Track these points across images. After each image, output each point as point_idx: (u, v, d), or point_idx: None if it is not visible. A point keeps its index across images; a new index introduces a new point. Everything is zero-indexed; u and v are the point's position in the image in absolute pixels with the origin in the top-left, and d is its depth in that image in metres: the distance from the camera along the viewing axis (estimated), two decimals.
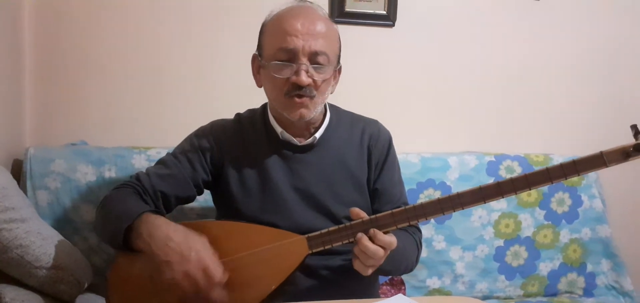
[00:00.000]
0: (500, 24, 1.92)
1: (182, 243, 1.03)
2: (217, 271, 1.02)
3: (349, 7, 1.80)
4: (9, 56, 1.53)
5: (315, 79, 1.15)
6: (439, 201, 1.03)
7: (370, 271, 1.05)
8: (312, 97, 1.16)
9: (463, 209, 1.04)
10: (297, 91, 1.15)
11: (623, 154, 0.98)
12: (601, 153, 0.99)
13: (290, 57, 1.14)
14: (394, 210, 1.05)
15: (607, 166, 0.99)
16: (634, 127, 0.98)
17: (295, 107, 1.16)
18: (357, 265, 1.06)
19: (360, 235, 1.03)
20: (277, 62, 1.15)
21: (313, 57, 1.15)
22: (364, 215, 1.06)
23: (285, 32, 1.14)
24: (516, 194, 1.02)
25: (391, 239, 1.03)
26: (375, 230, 1.02)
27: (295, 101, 1.15)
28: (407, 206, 1.05)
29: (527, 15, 1.92)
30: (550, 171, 1.00)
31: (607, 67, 2.00)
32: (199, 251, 1.02)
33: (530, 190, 1.01)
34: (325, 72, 1.17)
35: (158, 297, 1.07)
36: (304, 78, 1.13)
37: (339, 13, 1.79)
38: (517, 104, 1.97)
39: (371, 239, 1.02)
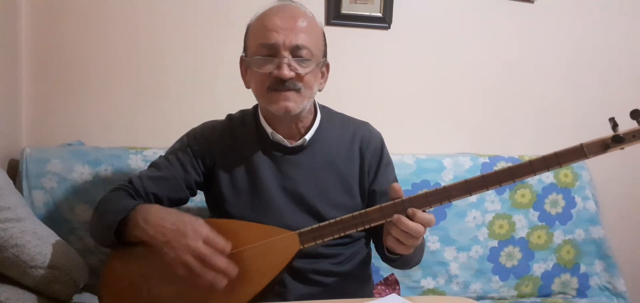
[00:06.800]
0: (495, 26, 1.93)
1: (177, 221, 1.04)
2: (218, 238, 1.02)
3: (345, 9, 1.81)
4: (6, 56, 1.54)
5: (299, 72, 1.15)
6: (426, 194, 1.04)
7: (411, 250, 1.05)
8: (297, 90, 1.16)
9: (450, 202, 1.05)
10: (279, 85, 1.15)
11: (602, 146, 1.00)
12: (581, 145, 1.01)
13: (272, 52, 1.15)
14: (382, 205, 1.05)
15: (587, 157, 1.01)
16: (611, 119, 1.01)
17: (279, 100, 1.15)
18: (399, 248, 1.04)
19: (397, 216, 1.01)
20: (258, 57, 1.16)
21: (295, 51, 1.15)
22: (401, 193, 1.04)
23: (265, 28, 1.15)
24: (500, 186, 1.03)
25: (430, 217, 1.03)
26: (414, 209, 1.01)
27: (279, 93, 1.15)
28: (395, 201, 1.04)
29: (521, 17, 1.93)
30: (533, 163, 1.02)
31: (600, 69, 2.01)
32: (194, 224, 1.03)
33: (514, 181, 1.03)
34: (309, 66, 1.17)
35: (151, 296, 1.08)
36: (286, 71, 1.13)
37: (335, 15, 1.80)
38: (512, 106, 1.98)
39: (410, 218, 1.01)
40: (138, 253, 1.10)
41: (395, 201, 1.04)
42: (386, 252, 1.14)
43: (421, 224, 1.01)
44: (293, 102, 1.16)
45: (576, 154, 1.01)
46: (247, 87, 1.26)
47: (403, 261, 1.18)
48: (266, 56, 1.15)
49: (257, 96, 1.23)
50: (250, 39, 1.20)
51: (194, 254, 1.00)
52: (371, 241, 1.34)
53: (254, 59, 1.16)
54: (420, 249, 1.23)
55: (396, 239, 1.03)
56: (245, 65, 1.24)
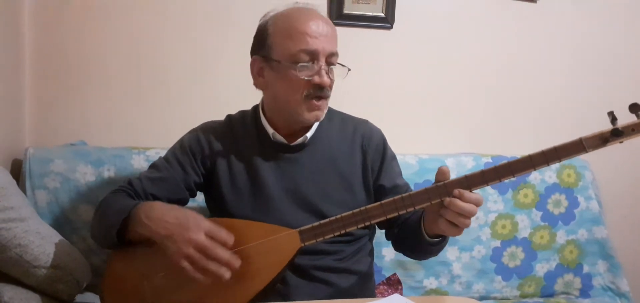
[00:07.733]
0: (498, 26, 1.93)
1: (180, 215, 1.05)
2: (221, 231, 1.03)
3: (348, 9, 1.81)
4: (9, 55, 1.54)
5: (333, 79, 1.19)
6: (426, 191, 1.04)
7: (461, 232, 1.05)
8: (327, 98, 1.20)
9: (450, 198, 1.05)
10: (318, 92, 1.16)
11: (601, 140, 1.00)
12: (580, 139, 1.01)
13: (312, 58, 1.15)
14: (382, 201, 1.06)
15: (586, 151, 1.01)
16: (610, 113, 1.00)
17: (313, 108, 1.18)
18: (452, 231, 1.04)
19: (449, 199, 1.01)
20: (302, 64, 1.15)
21: (329, 58, 1.17)
22: (448, 175, 1.04)
23: (305, 34, 1.15)
24: (500, 181, 1.04)
25: (478, 196, 1.03)
26: (461, 190, 1.01)
27: (314, 103, 1.17)
28: (395, 198, 1.05)
29: (524, 17, 1.93)
30: (533, 158, 1.02)
31: (602, 69, 2.01)
32: (196, 217, 1.04)
33: (513, 177, 1.03)
34: (336, 72, 1.21)
35: (153, 296, 1.08)
36: (326, 79, 1.16)
37: (338, 15, 1.80)
38: (514, 106, 1.98)
39: (460, 198, 1.01)
40: (139, 253, 1.11)
41: (396, 198, 1.05)
42: (427, 237, 1.14)
43: (472, 203, 1.01)
44: (322, 111, 1.20)
45: (575, 149, 1.01)
46: (260, 88, 1.24)
47: (440, 246, 1.19)
48: (306, 63, 1.15)
49: (285, 101, 1.20)
50: (281, 42, 1.17)
51: (196, 246, 1.00)
52: (373, 239, 1.34)
53: (298, 66, 1.15)
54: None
55: (450, 222, 1.02)
56: (260, 66, 1.21)
